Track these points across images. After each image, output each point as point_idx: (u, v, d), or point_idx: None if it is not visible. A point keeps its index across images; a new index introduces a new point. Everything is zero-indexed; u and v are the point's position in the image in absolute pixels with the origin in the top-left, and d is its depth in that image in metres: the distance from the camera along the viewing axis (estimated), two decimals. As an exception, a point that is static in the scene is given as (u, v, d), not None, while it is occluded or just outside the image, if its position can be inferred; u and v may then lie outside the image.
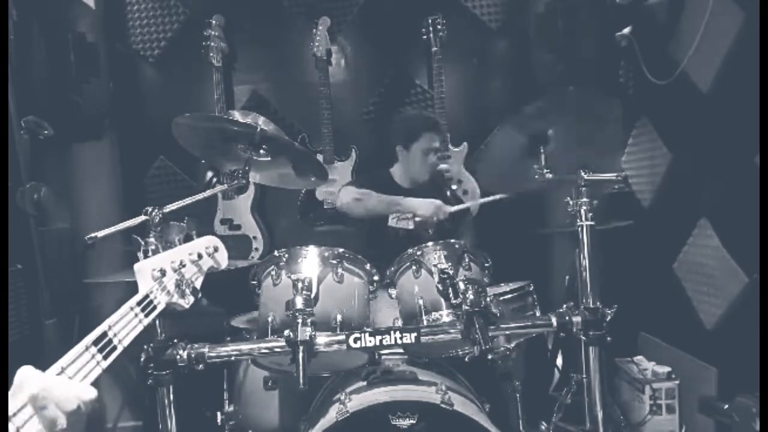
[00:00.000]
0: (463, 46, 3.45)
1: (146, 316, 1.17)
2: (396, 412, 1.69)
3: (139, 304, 1.17)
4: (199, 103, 3.37)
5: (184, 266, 1.36)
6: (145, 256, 1.57)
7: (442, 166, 3.06)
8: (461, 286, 1.72)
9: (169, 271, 1.31)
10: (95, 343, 0.97)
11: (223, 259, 1.49)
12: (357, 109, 3.53)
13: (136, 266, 1.27)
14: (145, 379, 1.67)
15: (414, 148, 2.77)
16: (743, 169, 2.20)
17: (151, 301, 1.21)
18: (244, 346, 1.78)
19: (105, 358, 0.97)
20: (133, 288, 2.63)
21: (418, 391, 1.81)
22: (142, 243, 1.61)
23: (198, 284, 1.41)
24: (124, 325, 1.08)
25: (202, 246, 1.45)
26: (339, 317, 1.79)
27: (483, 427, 1.68)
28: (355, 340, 1.69)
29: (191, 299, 1.36)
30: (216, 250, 1.47)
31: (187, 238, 1.53)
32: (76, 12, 3.08)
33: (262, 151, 2.03)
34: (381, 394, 1.79)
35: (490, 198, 2.72)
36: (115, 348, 1.01)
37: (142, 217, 1.66)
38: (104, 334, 1.00)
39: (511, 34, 3.48)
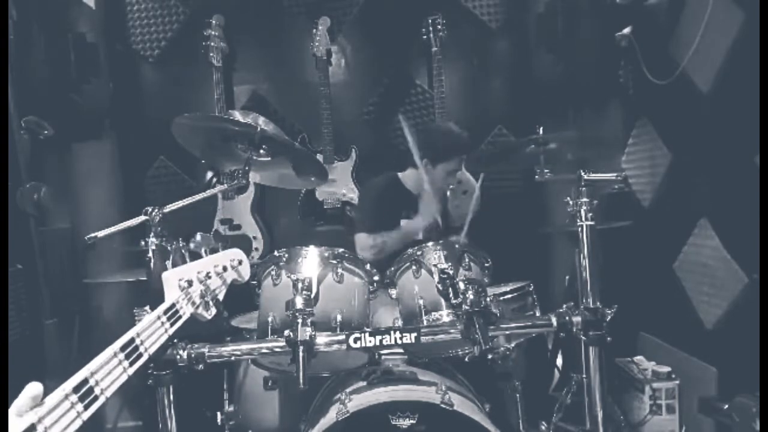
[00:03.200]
0: (463, 46, 3.45)
1: (171, 325, 1.17)
2: (396, 412, 1.69)
3: (165, 312, 1.17)
4: (199, 103, 3.37)
5: (209, 278, 1.36)
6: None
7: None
8: (461, 286, 1.72)
9: (195, 281, 1.31)
10: (123, 349, 0.97)
11: (246, 273, 1.51)
12: (357, 109, 3.53)
13: (164, 275, 1.28)
14: (145, 379, 1.67)
15: (440, 167, 2.73)
16: (743, 169, 2.20)
17: (177, 311, 1.22)
18: (244, 346, 1.78)
19: (131, 365, 0.97)
20: (132, 288, 2.64)
21: (418, 391, 1.81)
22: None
23: (221, 296, 1.41)
24: (152, 333, 1.08)
25: (227, 258, 1.46)
26: (339, 317, 1.80)
27: (483, 427, 1.69)
28: (355, 340, 1.69)
29: (214, 311, 1.37)
30: (240, 263, 1.49)
31: (213, 250, 1.54)
32: (76, 12, 3.09)
33: (262, 151, 2.03)
34: (381, 394, 1.79)
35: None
36: (140, 356, 1.01)
37: (142, 217, 1.66)
38: (131, 341, 1.00)
39: (511, 34, 3.48)
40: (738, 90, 2.26)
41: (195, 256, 1.54)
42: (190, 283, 1.29)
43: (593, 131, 3.15)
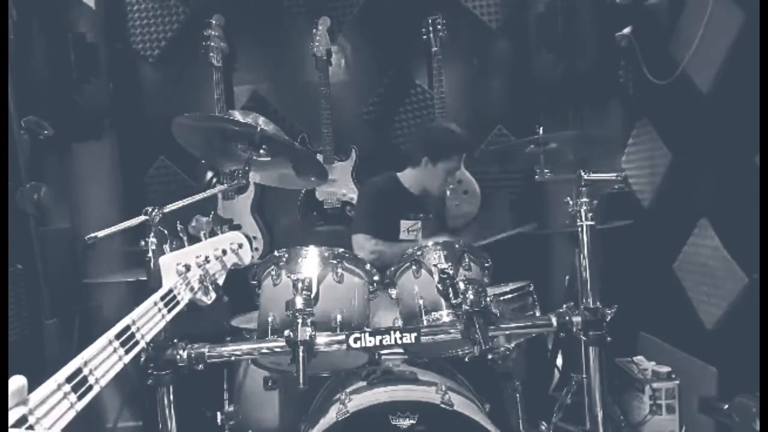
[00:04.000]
0: (463, 46, 3.45)
1: (169, 311, 1.15)
2: (396, 412, 1.69)
3: (162, 298, 1.14)
4: (199, 103, 3.37)
5: (208, 262, 1.34)
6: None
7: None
8: (461, 286, 1.72)
9: (193, 266, 1.29)
10: (118, 336, 0.94)
11: (246, 256, 1.48)
12: (357, 109, 3.53)
13: (161, 259, 1.25)
14: (145, 379, 1.67)
15: (440, 165, 2.73)
16: (743, 169, 2.20)
17: (174, 297, 1.19)
18: (244, 346, 1.78)
19: (126, 352, 0.95)
20: (132, 288, 2.63)
21: (418, 391, 1.81)
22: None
23: (221, 281, 1.39)
24: (148, 320, 1.06)
25: (227, 242, 1.43)
26: (339, 317, 1.79)
27: (483, 427, 1.68)
28: (355, 340, 1.69)
29: (213, 296, 1.34)
30: (240, 246, 1.46)
31: (212, 234, 1.52)
32: (76, 12, 3.08)
33: (262, 151, 2.03)
34: (381, 394, 1.79)
35: (511, 232, 2.70)
36: (137, 343, 0.98)
37: (142, 217, 1.66)
38: (127, 328, 0.98)
39: (511, 34, 3.48)
40: (738, 90, 2.26)
41: (194, 240, 1.52)
42: (188, 267, 1.26)
43: (593, 131, 3.15)
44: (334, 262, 1.86)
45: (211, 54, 3.28)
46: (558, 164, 2.22)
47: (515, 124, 3.40)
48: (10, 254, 2.38)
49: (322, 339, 1.68)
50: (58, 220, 2.93)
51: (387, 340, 1.70)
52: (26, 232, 2.31)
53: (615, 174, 1.94)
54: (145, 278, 1.65)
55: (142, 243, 1.64)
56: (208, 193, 1.93)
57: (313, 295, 1.72)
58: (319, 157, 3.28)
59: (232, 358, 1.78)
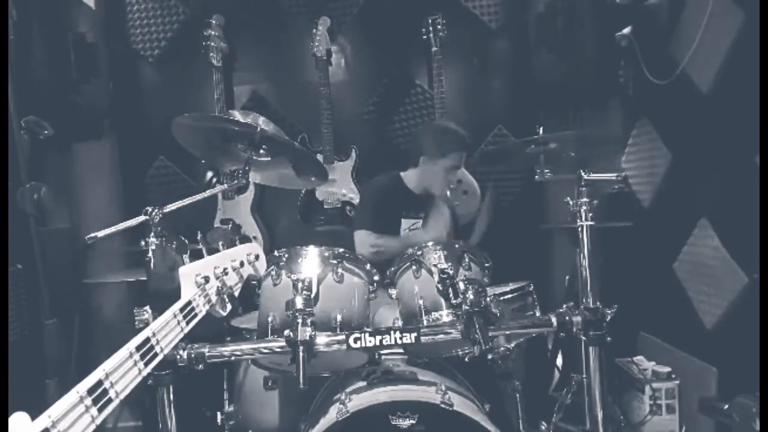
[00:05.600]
0: (463, 46, 3.45)
1: (187, 323, 1.15)
2: (396, 412, 1.69)
3: (181, 310, 1.14)
4: (199, 103, 3.37)
5: (226, 274, 1.33)
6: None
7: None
8: (461, 286, 1.72)
9: (212, 278, 1.28)
10: (138, 348, 0.94)
11: (262, 267, 1.48)
12: (357, 109, 3.53)
13: (181, 270, 1.25)
14: (145, 379, 1.67)
15: (440, 164, 2.72)
16: (743, 169, 2.20)
17: (192, 308, 1.19)
18: (244, 346, 1.78)
19: (146, 365, 0.95)
20: (132, 288, 2.62)
21: (418, 391, 1.81)
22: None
23: (237, 292, 1.38)
24: (168, 332, 1.06)
25: (244, 253, 1.43)
26: (339, 317, 1.79)
27: (483, 427, 1.68)
28: (355, 340, 1.69)
29: (229, 307, 1.33)
30: (257, 258, 1.45)
31: (231, 244, 1.51)
32: (76, 12, 3.09)
33: (262, 151, 2.03)
34: (381, 394, 1.79)
35: None
36: (156, 355, 0.98)
37: (142, 217, 1.66)
38: (147, 340, 0.97)
39: (511, 34, 3.48)
40: (738, 90, 2.26)
41: (212, 249, 1.50)
42: (207, 279, 1.26)
43: (593, 131, 3.16)
44: (334, 262, 1.86)
45: (211, 54, 3.28)
46: (558, 164, 2.22)
47: (515, 124, 3.40)
48: (10, 254, 2.38)
49: (322, 339, 1.68)
50: (58, 220, 2.94)
51: (387, 340, 1.70)
52: (26, 232, 2.31)
53: (615, 174, 1.94)
54: (145, 278, 1.65)
55: (142, 243, 1.64)
56: (208, 193, 1.92)
57: (313, 295, 1.72)
58: (319, 157, 3.28)
59: (232, 358, 1.78)
